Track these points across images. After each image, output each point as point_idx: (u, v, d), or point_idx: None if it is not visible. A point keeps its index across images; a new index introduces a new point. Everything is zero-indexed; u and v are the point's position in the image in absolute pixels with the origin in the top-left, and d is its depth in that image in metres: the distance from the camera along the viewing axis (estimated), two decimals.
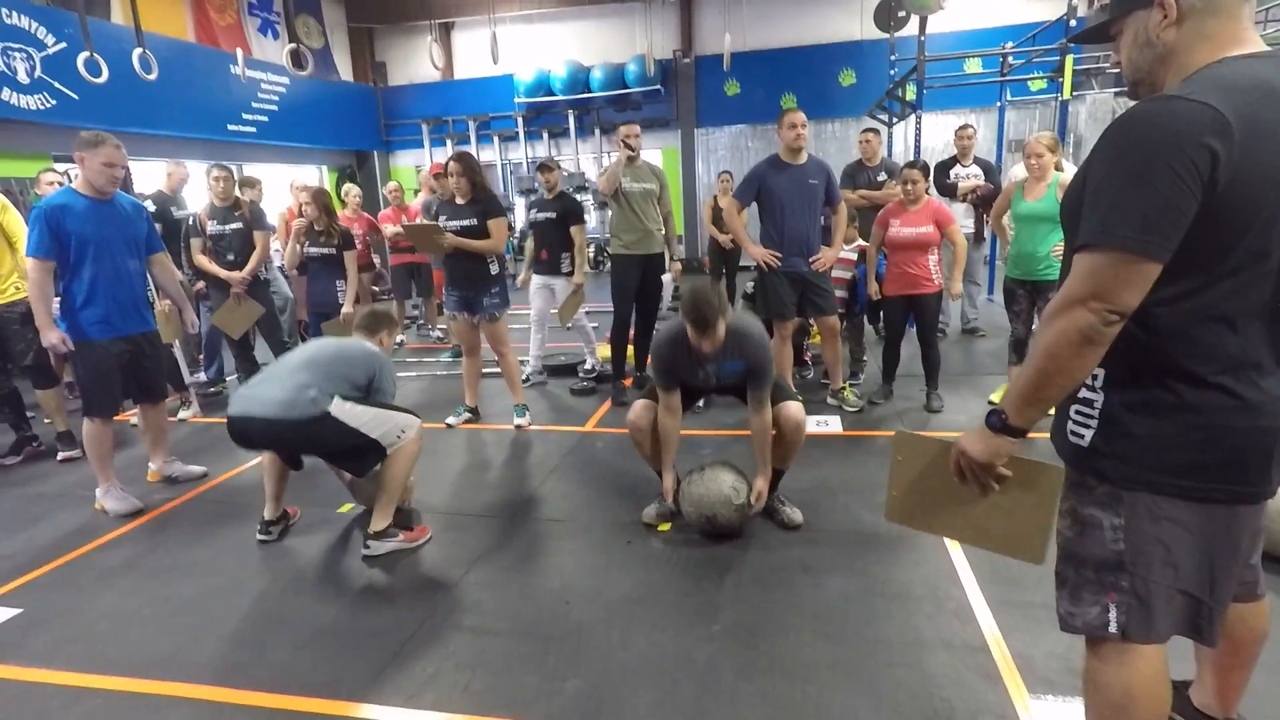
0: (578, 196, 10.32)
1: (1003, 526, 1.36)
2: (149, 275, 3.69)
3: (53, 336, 3.22)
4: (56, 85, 7.32)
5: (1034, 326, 4.06)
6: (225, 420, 2.76)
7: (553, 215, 4.90)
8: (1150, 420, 1.20)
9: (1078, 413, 1.28)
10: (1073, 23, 5.89)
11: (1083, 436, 1.27)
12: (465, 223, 4.11)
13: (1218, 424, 1.17)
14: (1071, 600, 1.31)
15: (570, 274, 4.95)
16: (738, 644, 2.23)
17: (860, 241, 4.81)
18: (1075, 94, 6.69)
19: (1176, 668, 1.70)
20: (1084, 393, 1.27)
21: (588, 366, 5.35)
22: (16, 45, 7.02)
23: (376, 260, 7.13)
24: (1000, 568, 2.54)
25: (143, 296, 3.53)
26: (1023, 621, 2.24)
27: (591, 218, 10.99)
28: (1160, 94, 1.14)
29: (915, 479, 1.46)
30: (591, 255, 10.14)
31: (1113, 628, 1.25)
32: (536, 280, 5.11)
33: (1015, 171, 5.15)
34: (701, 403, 4.54)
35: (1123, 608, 1.24)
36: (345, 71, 13.02)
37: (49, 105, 7.29)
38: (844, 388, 4.44)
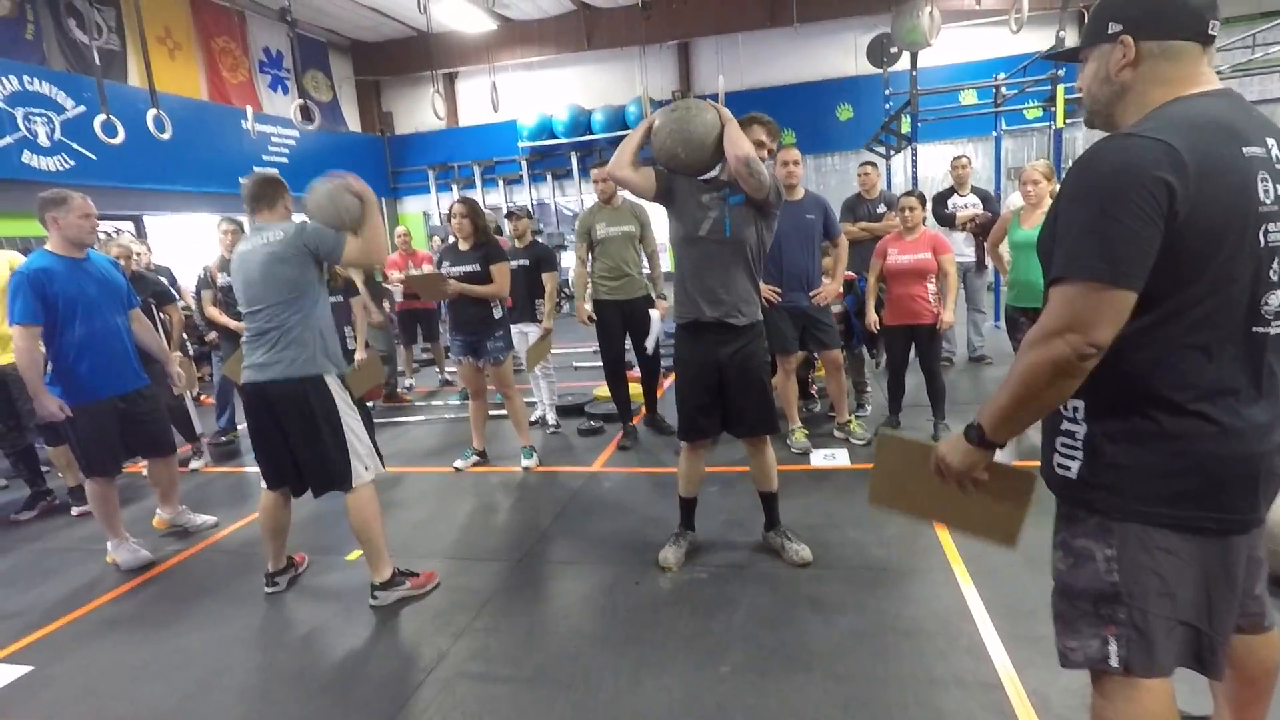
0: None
1: (979, 514, 1.42)
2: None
3: (51, 406, 3.13)
4: (75, 146, 7.58)
5: None
6: (242, 390, 2.82)
7: (525, 263, 4.89)
8: (1133, 450, 1.21)
9: (1062, 445, 1.29)
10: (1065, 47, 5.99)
11: (1069, 468, 1.28)
12: (468, 268, 4.18)
13: (1199, 452, 1.18)
14: (1070, 634, 1.30)
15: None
16: (747, 685, 2.20)
17: (846, 273, 4.83)
18: (1070, 122, 6.77)
19: (1196, 702, 1.67)
20: (1066, 424, 1.28)
21: (548, 420, 5.24)
22: (38, 110, 7.30)
23: (385, 305, 7.23)
24: (1014, 603, 2.50)
25: (133, 352, 3.47)
26: (1038, 657, 2.19)
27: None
28: (1118, 132, 1.19)
29: (899, 473, 1.52)
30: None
31: (1113, 661, 1.24)
32: (511, 330, 5.03)
33: (1013, 200, 5.19)
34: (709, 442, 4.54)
35: (1122, 640, 1.23)
36: (353, 122, 13.40)
37: (68, 166, 7.54)
38: (850, 420, 4.43)
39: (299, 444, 2.78)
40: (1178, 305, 1.15)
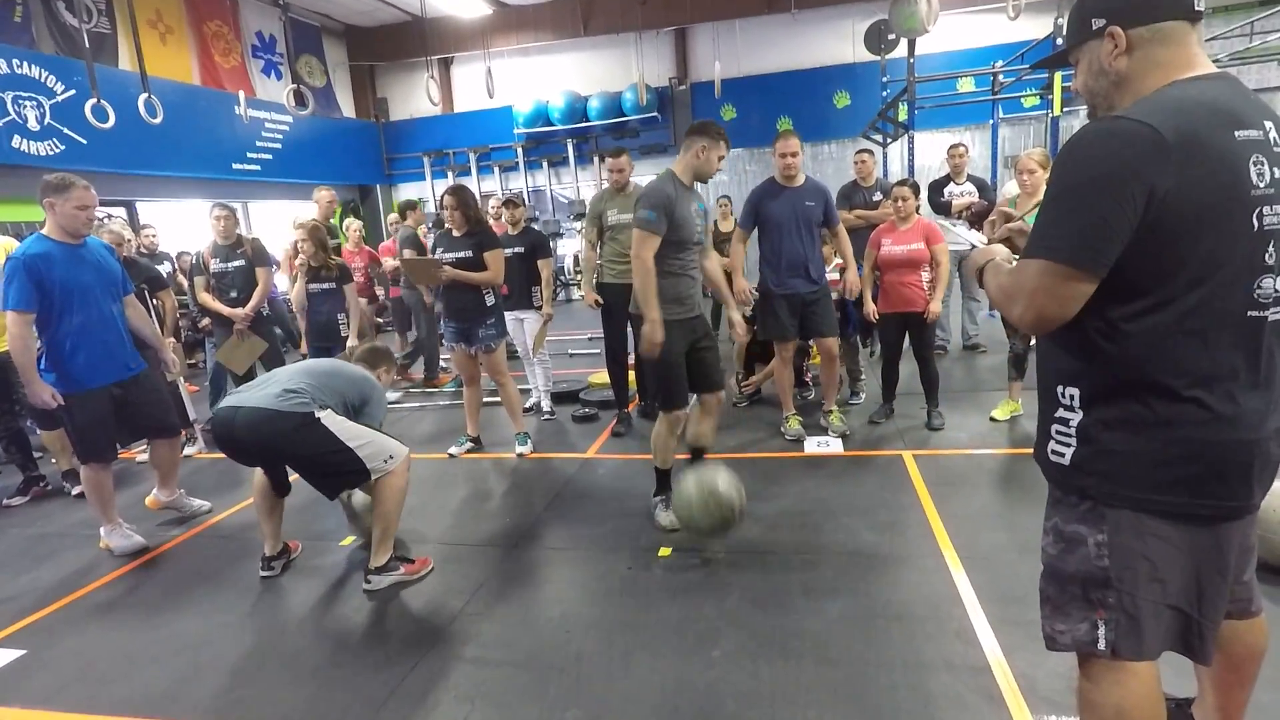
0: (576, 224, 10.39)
1: None
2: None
3: (44, 394, 3.11)
4: (65, 131, 7.50)
5: (1032, 342, 4.06)
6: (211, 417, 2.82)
7: (520, 250, 4.88)
8: (1127, 437, 1.21)
9: (1057, 432, 1.29)
10: (1059, 41, 5.96)
11: (1063, 455, 1.28)
12: (461, 255, 4.17)
13: (1193, 438, 1.17)
14: (1058, 618, 1.31)
15: (540, 307, 4.95)
16: (738, 670, 2.21)
17: (839, 260, 4.83)
18: (1068, 110, 6.75)
19: (1181, 684, 1.69)
20: (1061, 412, 1.28)
21: (542, 406, 5.26)
22: (27, 94, 7.21)
23: (380, 292, 7.22)
24: (1004, 588, 2.52)
25: (128, 337, 3.46)
26: (1026, 641, 2.21)
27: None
28: (1107, 116, 1.19)
29: None
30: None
31: (1101, 644, 1.25)
32: (507, 316, 4.93)
33: (1009, 188, 5.19)
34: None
35: (1111, 624, 1.24)
36: (347, 108, 13.27)
37: (58, 150, 7.45)
38: (832, 410, 4.40)
39: (300, 470, 2.85)
40: (1170, 291, 1.15)
